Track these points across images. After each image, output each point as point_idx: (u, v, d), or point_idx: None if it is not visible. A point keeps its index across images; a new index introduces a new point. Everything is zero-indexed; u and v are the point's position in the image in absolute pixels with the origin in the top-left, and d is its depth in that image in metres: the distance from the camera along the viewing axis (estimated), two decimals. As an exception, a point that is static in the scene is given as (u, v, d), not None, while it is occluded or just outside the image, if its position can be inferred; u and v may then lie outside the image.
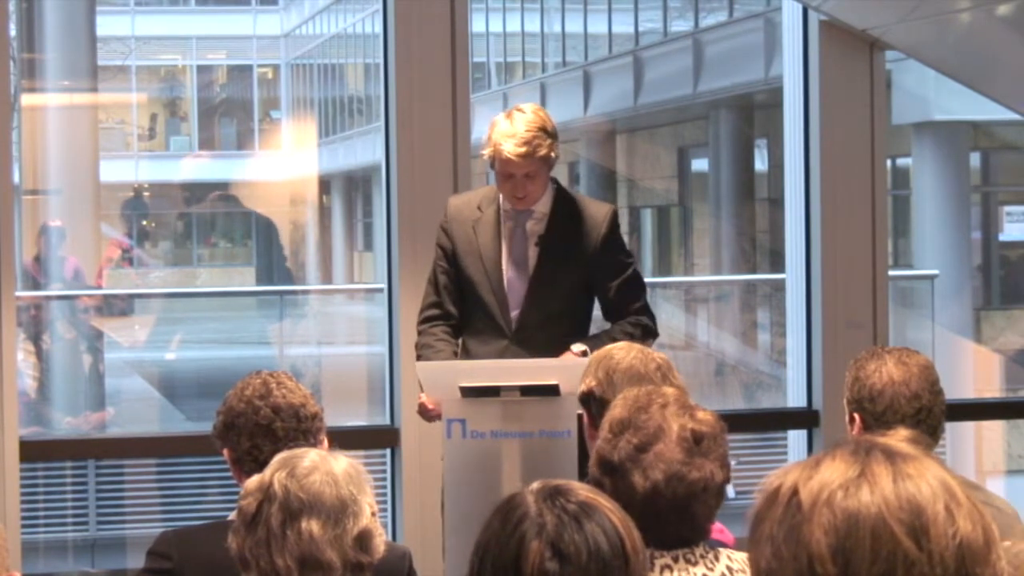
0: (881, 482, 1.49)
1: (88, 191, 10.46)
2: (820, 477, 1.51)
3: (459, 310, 4.65)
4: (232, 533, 2.68)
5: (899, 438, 1.68)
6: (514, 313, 4.56)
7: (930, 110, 14.10)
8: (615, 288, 4.59)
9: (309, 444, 3.14)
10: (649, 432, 2.77)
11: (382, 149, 5.73)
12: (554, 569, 2.05)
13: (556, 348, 4.47)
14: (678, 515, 2.72)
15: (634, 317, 4.59)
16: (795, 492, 1.51)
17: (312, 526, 2.60)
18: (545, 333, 4.52)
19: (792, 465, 1.56)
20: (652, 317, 4.63)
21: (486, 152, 4.53)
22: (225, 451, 3.34)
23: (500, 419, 4.11)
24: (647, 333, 4.57)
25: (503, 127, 4.48)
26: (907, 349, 3.58)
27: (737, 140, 18.12)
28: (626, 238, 4.82)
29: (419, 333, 4.67)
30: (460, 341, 4.68)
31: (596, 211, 4.62)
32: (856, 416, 3.49)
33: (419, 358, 4.58)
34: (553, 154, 4.51)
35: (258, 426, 3.28)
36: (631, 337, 4.39)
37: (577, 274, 4.56)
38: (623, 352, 3.51)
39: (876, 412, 3.45)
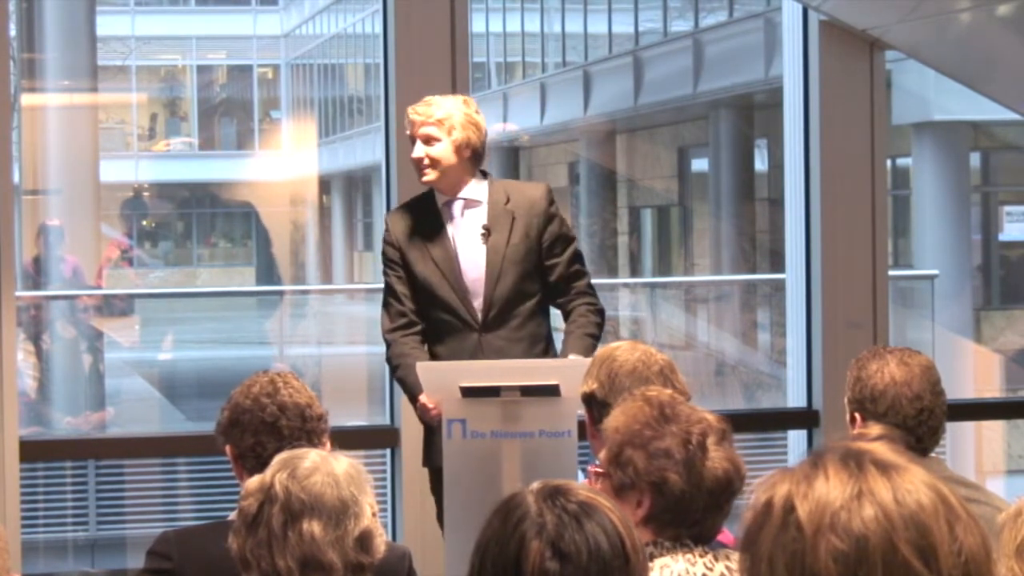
0: (883, 500, 1.46)
1: (88, 191, 10.46)
2: (817, 495, 1.47)
3: (419, 316, 4.66)
4: (233, 534, 2.67)
5: (874, 434, 1.67)
6: (476, 303, 4.58)
7: (930, 110, 14.10)
8: (562, 264, 4.64)
9: (312, 445, 3.14)
10: (655, 448, 2.82)
11: (382, 149, 5.73)
12: (554, 569, 2.05)
13: (527, 328, 4.55)
14: (708, 511, 2.78)
15: (585, 302, 4.63)
16: (791, 510, 1.48)
17: (313, 527, 2.60)
18: (512, 316, 4.57)
19: (779, 474, 1.51)
20: (595, 294, 4.69)
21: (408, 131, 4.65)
22: (227, 448, 3.34)
23: (500, 419, 4.11)
24: (601, 318, 4.64)
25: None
26: (909, 349, 3.58)
27: (737, 140, 18.12)
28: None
29: (390, 344, 4.67)
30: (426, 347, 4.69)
31: (532, 190, 4.70)
32: (857, 416, 3.49)
33: (396, 368, 4.60)
34: (459, 129, 4.57)
35: (263, 423, 3.28)
36: (598, 327, 4.56)
37: (526, 252, 4.60)
38: (626, 353, 3.50)
39: (877, 412, 3.44)
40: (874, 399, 3.45)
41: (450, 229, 4.63)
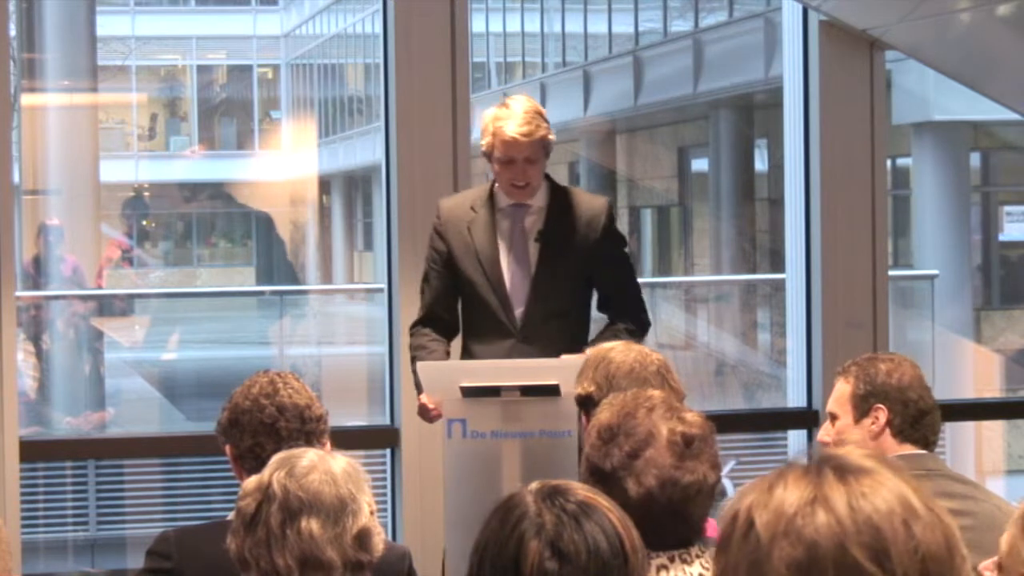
0: (836, 505, 1.47)
1: (88, 191, 10.46)
2: (774, 504, 1.49)
3: (452, 313, 4.63)
4: (231, 534, 2.67)
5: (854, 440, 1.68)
6: (518, 311, 4.54)
7: (930, 110, 14.10)
8: (614, 280, 4.59)
9: (311, 446, 3.13)
10: (639, 438, 2.75)
11: (382, 149, 5.73)
12: (553, 568, 2.05)
13: (563, 342, 4.45)
14: (673, 519, 2.71)
15: (632, 317, 4.58)
16: (751, 522, 1.49)
17: (312, 525, 2.61)
18: (551, 328, 4.50)
19: (749, 485, 1.54)
20: (645, 310, 4.65)
21: (484, 142, 4.52)
22: (227, 447, 3.34)
23: (500, 419, 4.10)
24: (643, 329, 4.59)
25: (501, 113, 4.49)
26: (896, 354, 3.68)
27: (737, 140, 18.12)
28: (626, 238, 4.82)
29: (411, 335, 4.67)
30: (462, 343, 4.67)
31: (593, 203, 4.61)
32: (880, 407, 3.51)
33: (413, 360, 4.58)
34: (551, 137, 4.51)
35: (262, 424, 3.28)
36: (632, 335, 4.42)
37: (578, 267, 4.54)
38: (621, 354, 3.49)
39: (910, 399, 3.54)
40: (902, 388, 3.55)
41: (503, 231, 4.57)
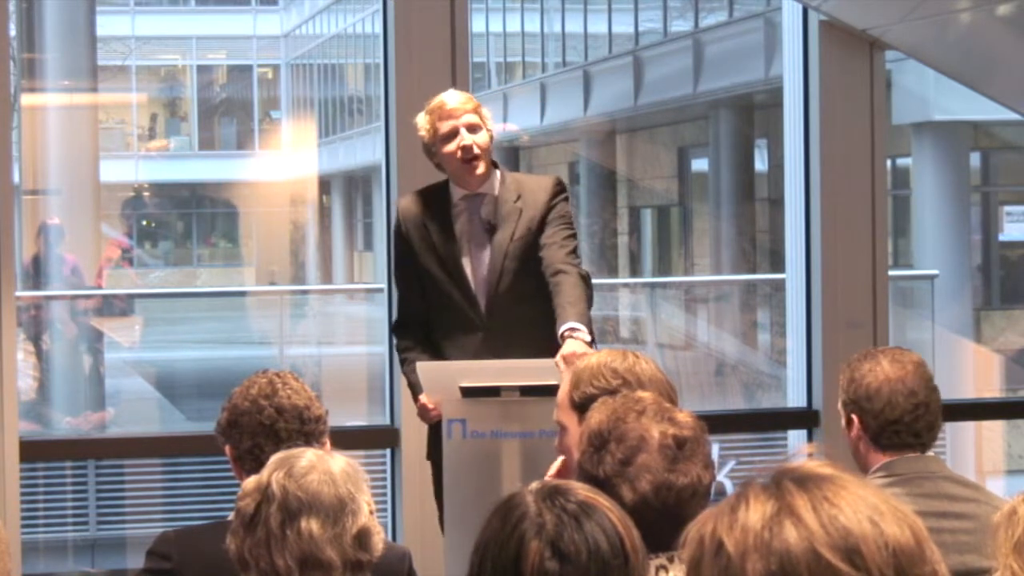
0: (802, 513, 1.48)
1: (88, 191, 10.47)
2: (740, 523, 1.50)
3: (424, 311, 4.61)
4: (231, 535, 2.67)
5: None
6: (483, 303, 4.52)
7: (930, 110, 14.10)
8: (547, 237, 4.47)
9: (311, 446, 3.13)
10: (631, 443, 2.73)
11: (382, 149, 5.73)
12: (554, 569, 2.05)
13: (533, 327, 4.40)
14: (669, 522, 2.69)
15: (565, 258, 4.41)
16: (720, 544, 1.50)
17: (312, 525, 2.60)
18: (518, 315, 4.46)
19: (708, 513, 1.54)
20: (575, 254, 4.47)
21: (425, 131, 4.51)
22: (227, 448, 3.34)
23: (500, 419, 4.10)
24: (586, 283, 4.42)
25: (433, 100, 4.54)
26: (900, 348, 3.59)
27: (737, 140, 18.12)
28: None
29: (396, 338, 4.67)
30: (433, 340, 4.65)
31: (538, 182, 4.60)
32: (854, 417, 3.49)
33: (403, 362, 4.59)
34: (490, 116, 4.54)
35: (261, 425, 3.28)
36: (578, 287, 4.30)
37: (530, 247, 4.49)
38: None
39: (874, 410, 3.45)
40: (869, 397, 3.46)
41: (460, 224, 4.55)
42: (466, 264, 4.54)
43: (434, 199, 4.60)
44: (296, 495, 2.62)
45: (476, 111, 4.52)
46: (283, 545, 2.60)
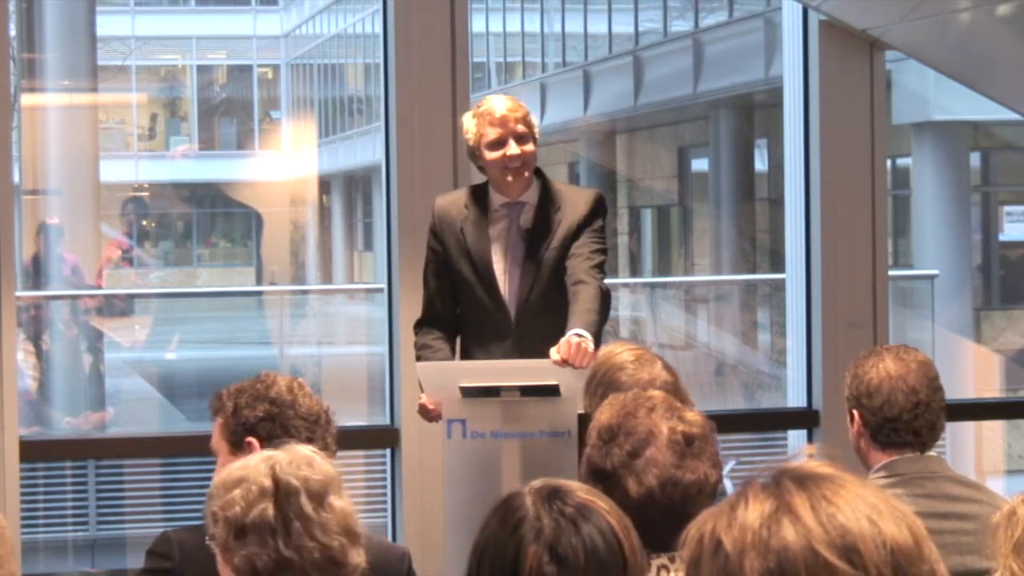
0: (800, 512, 1.48)
1: (88, 191, 10.47)
2: (739, 521, 1.50)
3: (452, 312, 4.62)
4: (258, 546, 2.61)
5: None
6: (513, 311, 4.53)
7: (930, 110, 14.10)
8: (576, 248, 4.47)
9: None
10: (640, 437, 2.74)
11: (382, 149, 5.73)
12: (552, 572, 2.05)
13: (558, 341, 4.41)
14: (674, 519, 2.69)
15: (587, 269, 4.41)
16: (719, 543, 1.51)
17: (338, 500, 2.62)
18: (545, 326, 4.43)
19: (708, 512, 1.55)
20: (600, 270, 4.46)
21: (471, 136, 4.50)
22: (219, 418, 3.32)
23: (500, 419, 4.10)
24: (605, 297, 4.42)
25: (482, 103, 4.55)
26: (905, 346, 3.60)
27: (737, 140, 18.12)
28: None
29: (416, 334, 4.67)
30: (460, 343, 4.65)
31: (580, 195, 4.60)
32: (855, 413, 3.49)
33: (418, 359, 4.58)
34: (538, 126, 4.55)
35: (284, 404, 3.28)
36: (595, 299, 4.29)
37: (563, 259, 4.49)
38: (631, 376, 3.47)
39: (873, 407, 3.45)
40: (869, 394, 3.46)
41: (497, 230, 4.55)
42: (499, 271, 4.54)
43: (473, 202, 4.59)
44: (313, 478, 2.62)
45: (525, 119, 4.52)
46: (326, 525, 2.59)
